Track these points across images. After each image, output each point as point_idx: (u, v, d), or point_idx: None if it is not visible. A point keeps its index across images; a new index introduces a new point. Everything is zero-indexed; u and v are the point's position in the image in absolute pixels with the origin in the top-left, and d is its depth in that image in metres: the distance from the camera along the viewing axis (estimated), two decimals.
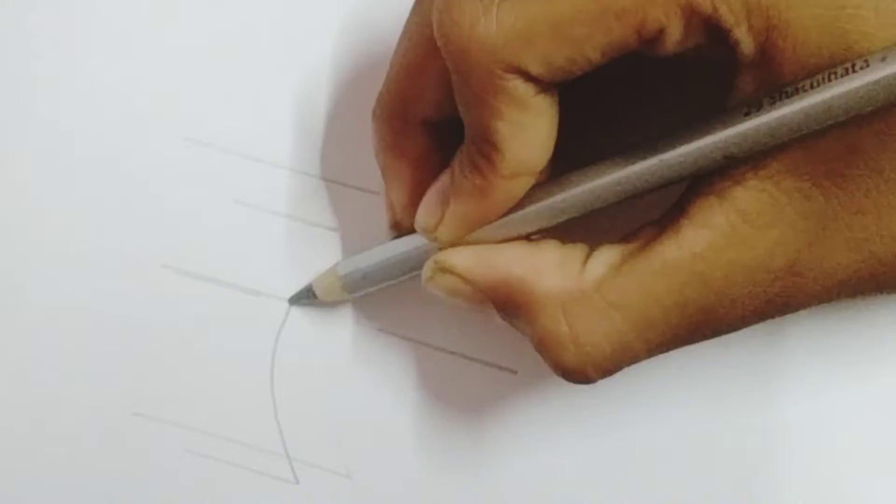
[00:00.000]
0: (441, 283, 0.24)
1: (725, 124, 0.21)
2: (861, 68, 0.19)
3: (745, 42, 0.20)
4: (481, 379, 0.28)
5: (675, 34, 0.21)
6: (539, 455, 0.28)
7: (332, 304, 0.28)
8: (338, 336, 0.28)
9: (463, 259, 0.24)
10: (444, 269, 0.24)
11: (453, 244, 0.24)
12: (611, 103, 0.26)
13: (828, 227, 0.21)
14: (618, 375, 0.28)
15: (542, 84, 0.21)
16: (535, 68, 0.21)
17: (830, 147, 0.21)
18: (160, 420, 0.28)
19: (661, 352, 0.23)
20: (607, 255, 0.23)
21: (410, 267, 0.25)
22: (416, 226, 0.25)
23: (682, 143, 0.22)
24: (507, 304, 0.23)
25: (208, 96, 0.28)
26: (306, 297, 0.28)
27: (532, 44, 0.21)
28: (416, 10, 0.24)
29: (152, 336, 0.28)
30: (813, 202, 0.21)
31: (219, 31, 0.28)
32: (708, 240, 0.22)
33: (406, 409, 0.28)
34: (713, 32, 0.21)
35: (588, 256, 0.23)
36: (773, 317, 0.23)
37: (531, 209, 0.23)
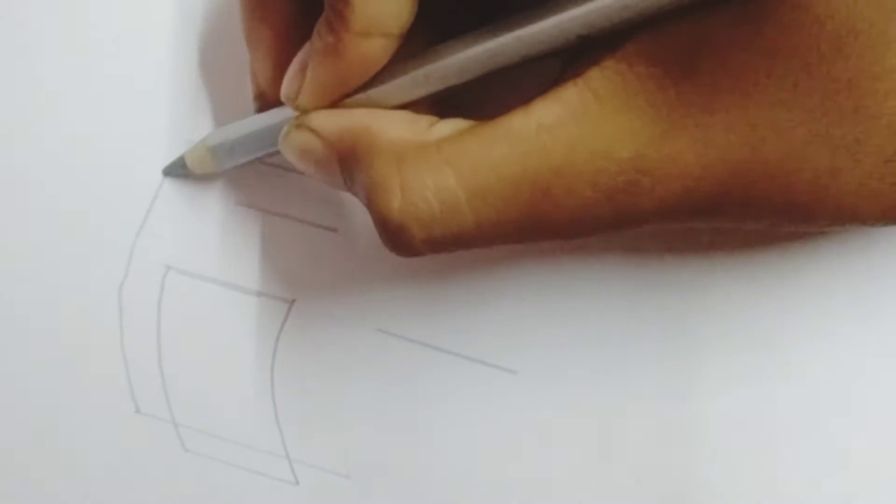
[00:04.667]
0: (294, 140, 0.23)
1: (578, 2, 0.21)
2: None
3: None
4: (481, 379, 0.28)
5: None
6: (538, 455, 0.28)
7: (204, 178, 0.28)
8: (338, 336, 0.28)
9: (319, 116, 0.23)
10: (301, 125, 0.23)
11: (312, 107, 0.23)
12: None
13: (676, 123, 0.21)
14: (613, 370, 0.28)
15: None
16: None
17: (683, 35, 0.21)
18: (160, 420, 0.28)
19: (492, 234, 0.22)
20: (458, 122, 0.22)
21: (276, 140, 0.25)
22: (282, 96, 0.24)
23: (537, 20, 0.21)
24: (349, 155, 0.23)
25: (209, 98, 0.28)
26: (179, 170, 0.28)
27: None
28: None
29: (153, 335, 0.28)
30: (664, 93, 0.21)
31: (220, 31, 0.28)
32: (556, 112, 0.21)
33: (406, 409, 0.28)
34: None
35: (440, 120, 0.23)
36: (615, 226, 0.22)
37: (393, 83, 0.23)
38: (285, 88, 0.24)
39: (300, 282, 0.28)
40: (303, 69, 0.23)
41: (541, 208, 0.21)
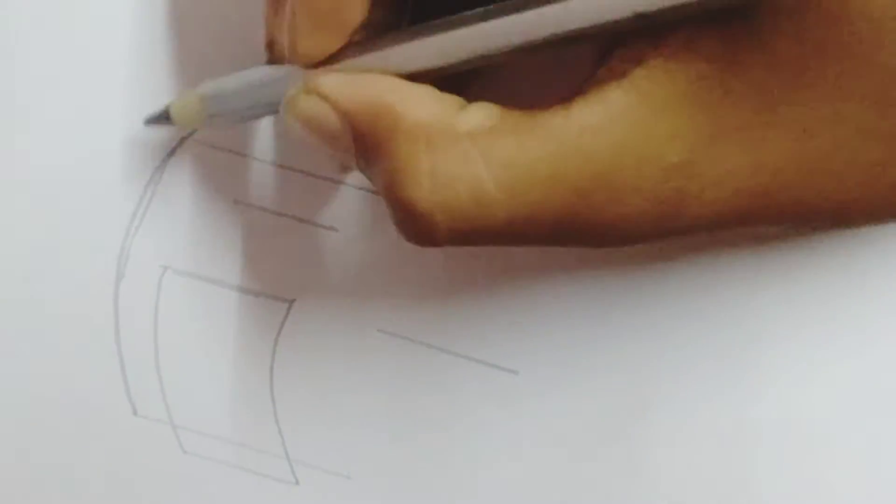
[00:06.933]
0: (302, 107, 0.21)
1: None
2: None
3: None
4: (481, 379, 0.28)
5: None
6: (539, 455, 0.28)
7: (188, 130, 0.27)
8: (338, 336, 0.28)
9: (332, 80, 0.21)
10: (310, 90, 0.21)
11: (315, 52, 0.21)
12: None
13: (726, 124, 0.20)
14: (615, 370, 0.28)
15: None
16: None
17: (730, 28, 0.20)
18: (160, 420, 0.28)
19: (521, 234, 0.20)
20: (490, 108, 0.21)
21: (277, 98, 0.22)
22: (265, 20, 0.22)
23: None
24: (369, 133, 0.21)
25: None
26: (163, 121, 0.25)
27: None
28: None
29: (150, 336, 0.28)
30: (712, 93, 0.20)
31: (219, 32, 0.28)
32: (600, 115, 0.20)
33: (406, 409, 0.28)
34: None
35: (469, 104, 0.21)
36: (657, 235, 0.21)
37: (411, 45, 0.21)
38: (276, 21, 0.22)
39: (300, 282, 0.28)
40: None
41: (578, 213, 0.20)
